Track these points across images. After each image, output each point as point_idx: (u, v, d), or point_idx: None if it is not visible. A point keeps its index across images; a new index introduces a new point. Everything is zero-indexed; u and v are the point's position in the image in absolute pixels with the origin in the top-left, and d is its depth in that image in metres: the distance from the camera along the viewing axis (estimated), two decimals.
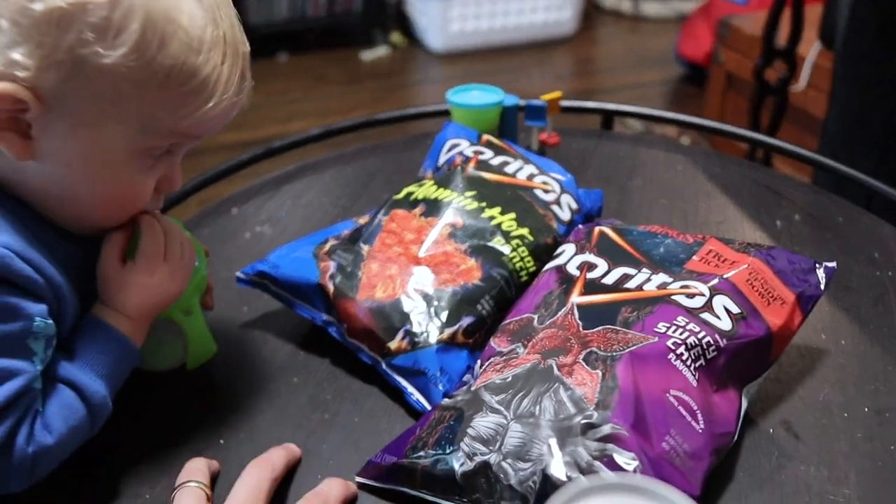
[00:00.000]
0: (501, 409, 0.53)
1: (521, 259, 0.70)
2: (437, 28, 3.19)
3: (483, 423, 0.52)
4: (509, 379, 0.54)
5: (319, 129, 1.09)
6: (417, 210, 0.73)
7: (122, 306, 0.58)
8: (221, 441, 0.63)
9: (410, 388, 0.64)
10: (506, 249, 0.70)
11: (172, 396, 0.68)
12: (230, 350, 0.73)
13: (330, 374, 0.69)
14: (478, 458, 0.51)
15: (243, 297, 0.78)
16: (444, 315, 0.65)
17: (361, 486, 0.58)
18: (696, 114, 1.20)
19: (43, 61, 0.49)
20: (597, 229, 0.69)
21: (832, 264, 0.67)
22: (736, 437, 0.58)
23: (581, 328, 0.57)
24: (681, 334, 0.56)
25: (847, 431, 0.64)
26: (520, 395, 0.53)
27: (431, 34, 3.24)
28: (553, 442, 0.50)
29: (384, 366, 0.65)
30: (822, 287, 0.65)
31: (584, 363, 0.54)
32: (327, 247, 0.72)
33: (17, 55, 0.48)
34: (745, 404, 0.60)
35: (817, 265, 0.66)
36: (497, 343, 0.60)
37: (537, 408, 0.52)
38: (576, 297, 0.60)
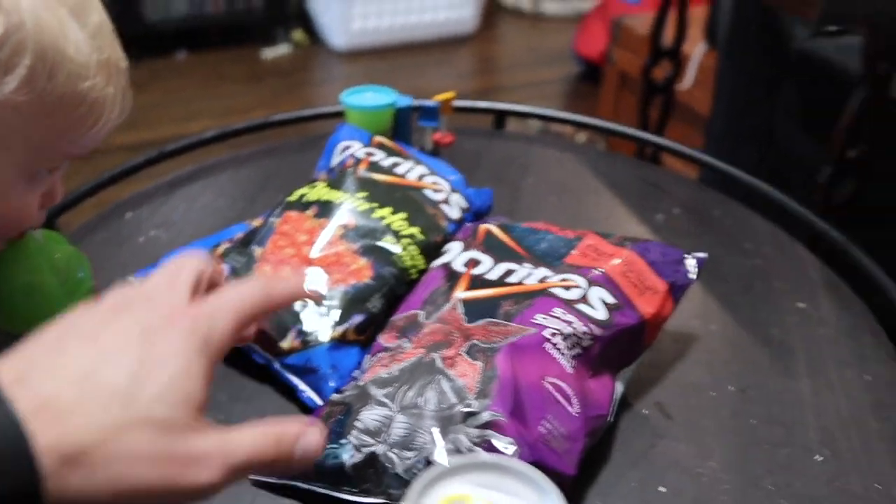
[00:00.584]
0: (387, 401, 0.55)
1: (412, 257, 0.73)
2: (340, 26, 3.19)
3: (370, 416, 0.55)
4: (395, 373, 0.57)
5: (215, 130, 1.09)
6: (310, 212, 0.75)
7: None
8: None
9: (303, 386, 0.66)
10: (396, 249, 0.72)
11: None
12: None
13: (224, 375, 0.70)
14: (366, 450, 0.54)
15: None
16: (335, 314, 0.67)
17: (257, 483, 0.60)
18: (591, 111, 1.25)
19: None
20: (482, 227, 0.72)
21: (703, 255, 0.72)
22: (611, 419, 0.62)
23: (465, 322, 0.60)
24: (557, 324, 0.59)
25: (714, 409, 0.69)
26: (404, 387, 0.55)
27: (334, 32, 3.23)
28: (436, 431, 0.53)
29: (277, 365, 0.67)
30: (693, 276, 0.70)
31: (465, 355, 0.57)
32: (220, 250, 0.73)
33: None
34: (619, 388, 0.64)
35: (687, 256, 0.71)
36: (385, 339, 0.62)
37: (421, 399, 0.54)
38: (460, 293, 0.63)
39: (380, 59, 3.20)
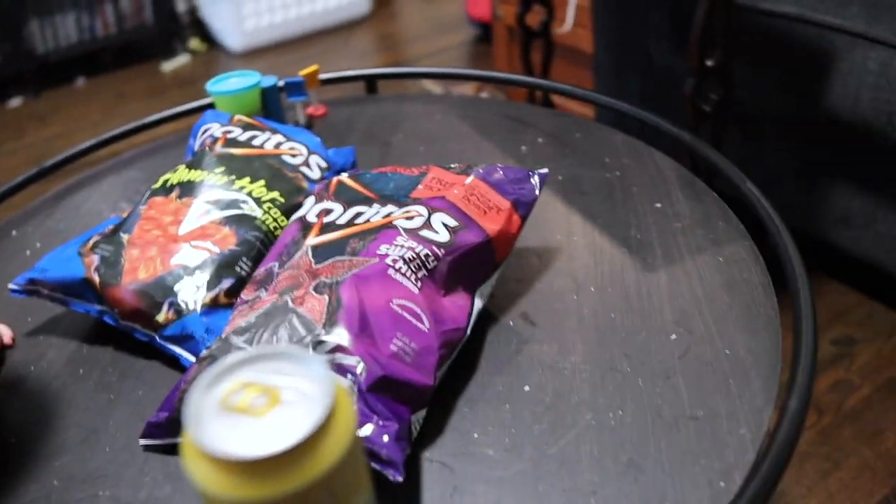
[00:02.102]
0: (246, 346, 0.59)
1: (275, 220, 0.76)
2: (233, 28, 3.18)
3: None
4: (252, 320, 0.61)
5: (91, 140, 1.11)
6: (174, 194, 0.78)
7: None
8: (13, 440, 0.66)
9: (185, 354, 0.69)
10: (258, 213, 0.76)
11: None
12: (16, 359, 0.75)
13: (113, 359, 0.74)
14: None
15: (26, 310, 0.81)
16: (204, 282, 0.70)
17: (147, 447, 0.63)
18: (488, 69, 1.28)
19: None
20: (334, 179, 0.75)
21: (544, 171, 0.77)
22: (469, 332, 0.67)
23: (313, 265, 0.64)
24: (399, 252, 0.63)
25: (576, 310, 0.74)
26: (261, 331, 0.59)
27: (228, 35, 3.23)
28: None
29: (158, 339, 0.70)
30: (537, 192, 0.75)
31: (313, 292, 0.61)
32: (91, 243, 0.76)
33: None
34: (479, 303, 0.69)
35: (531, 173, 0.76)
36: (245, 294, 0.66)
37: (274, 338, 0.58)
38: (310, 240, 0.67)
39: (279, 53, 3.21)
